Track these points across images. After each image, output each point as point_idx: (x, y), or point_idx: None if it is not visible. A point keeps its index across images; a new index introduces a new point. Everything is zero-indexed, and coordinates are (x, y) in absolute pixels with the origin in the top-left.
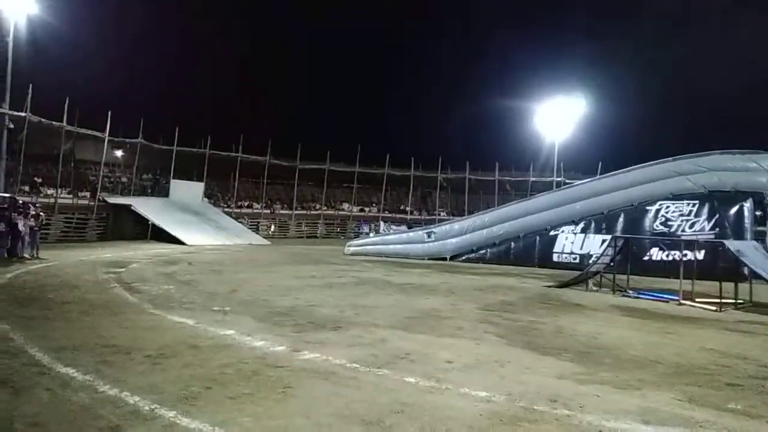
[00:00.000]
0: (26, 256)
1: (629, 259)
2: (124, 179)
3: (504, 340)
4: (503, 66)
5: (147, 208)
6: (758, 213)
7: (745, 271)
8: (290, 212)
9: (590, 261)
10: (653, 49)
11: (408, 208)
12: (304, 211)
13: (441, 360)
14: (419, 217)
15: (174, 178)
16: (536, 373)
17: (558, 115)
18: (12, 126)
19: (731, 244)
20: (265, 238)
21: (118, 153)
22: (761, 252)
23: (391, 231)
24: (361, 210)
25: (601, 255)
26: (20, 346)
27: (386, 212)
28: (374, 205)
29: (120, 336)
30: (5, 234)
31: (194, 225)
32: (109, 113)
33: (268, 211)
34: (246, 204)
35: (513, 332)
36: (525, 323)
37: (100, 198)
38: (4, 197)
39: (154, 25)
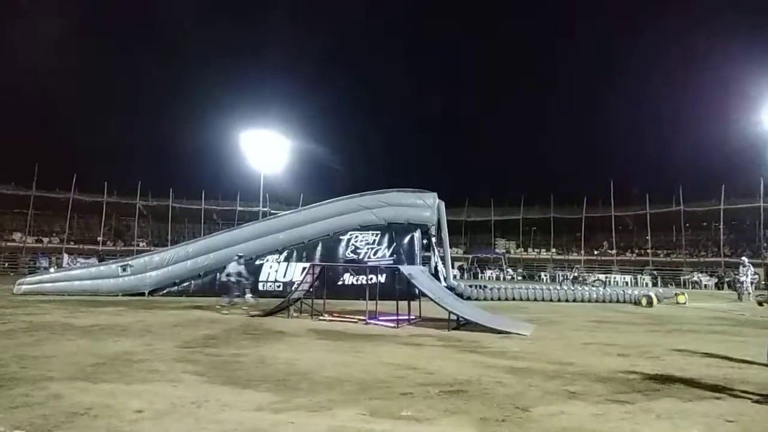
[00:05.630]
0: None
1: (326, 284)
2: None
3: (203, 378)
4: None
5: None
6: (425, 241)
7: (416, 291)
8: None
9: (292, 288)
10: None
11: (100, 239)
12: None
13: (130, 410)
14: (114, 248)
15: None
16: (235, 408)
17: (265, 148)
18: None
19: (404, 269)
20: None
21: None
22: (426, 275)
23: (78, 264)
24: (38, 241)
25: (301, 282)
26: None
27: (72, 243)
28: (56, 235)
29: None
30: None
31: None
32: None
33: None
34: None
35: (214, 368)
36: (227, 357)
37: None
38: None
39: None
